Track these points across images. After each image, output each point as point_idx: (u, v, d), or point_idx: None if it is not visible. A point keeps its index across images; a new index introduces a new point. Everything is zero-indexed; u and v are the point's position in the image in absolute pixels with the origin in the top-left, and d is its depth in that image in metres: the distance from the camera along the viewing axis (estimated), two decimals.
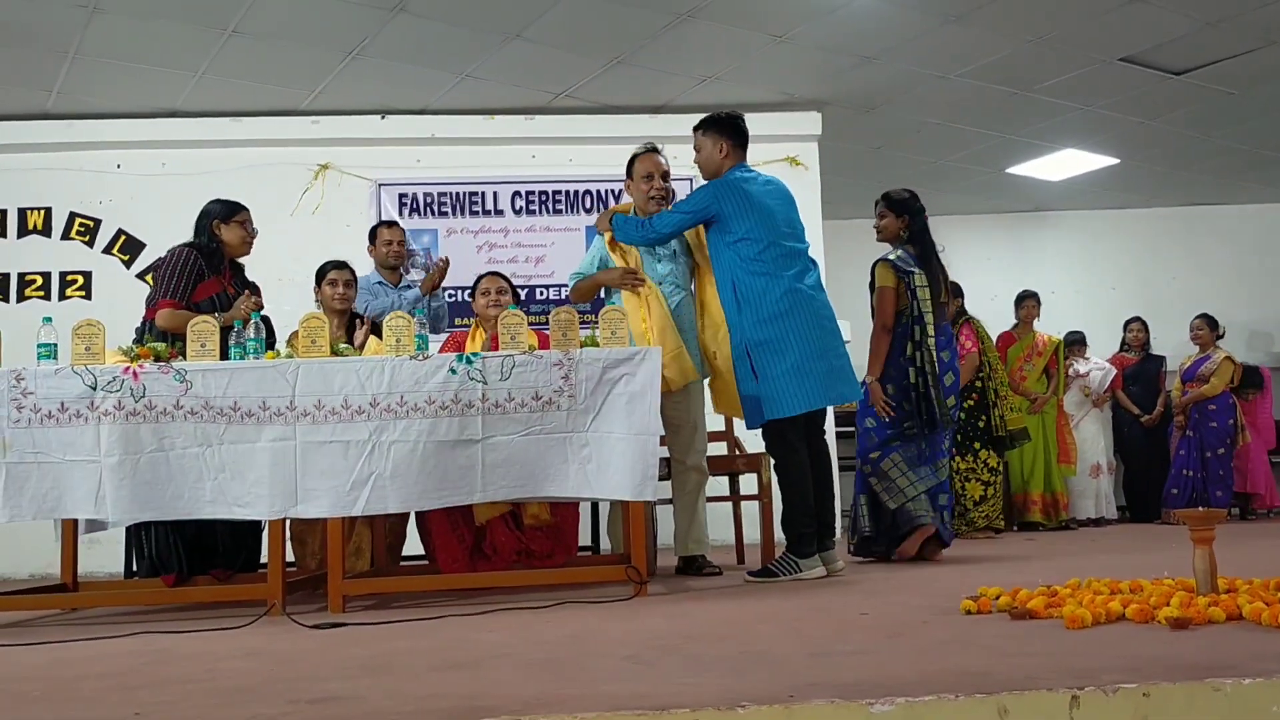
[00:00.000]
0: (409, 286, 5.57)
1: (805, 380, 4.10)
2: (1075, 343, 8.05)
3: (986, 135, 7.77)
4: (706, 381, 4.57)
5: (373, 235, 5.60)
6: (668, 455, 4.64)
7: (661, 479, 4.35)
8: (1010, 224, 9.83)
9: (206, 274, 4.37)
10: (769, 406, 4.12)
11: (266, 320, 4.62)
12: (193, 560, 4.22)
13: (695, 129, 4.46)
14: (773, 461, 4.30)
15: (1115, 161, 8.42)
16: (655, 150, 4.67)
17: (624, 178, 4.73)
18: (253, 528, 4.27)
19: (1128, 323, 8.42)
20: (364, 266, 5.77)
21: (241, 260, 4.58)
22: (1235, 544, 4.92)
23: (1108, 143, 8.02)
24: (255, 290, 4.59)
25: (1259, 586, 2.84)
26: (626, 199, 4.82)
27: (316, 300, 4.83)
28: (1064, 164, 8.47)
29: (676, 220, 4.36)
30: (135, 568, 4.56)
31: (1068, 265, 9.66)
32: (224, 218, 4.45)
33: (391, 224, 5.72)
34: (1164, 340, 8.40)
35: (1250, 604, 2.52)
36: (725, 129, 4.40)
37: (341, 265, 4.84)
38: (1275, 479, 8.06)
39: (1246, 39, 6.21)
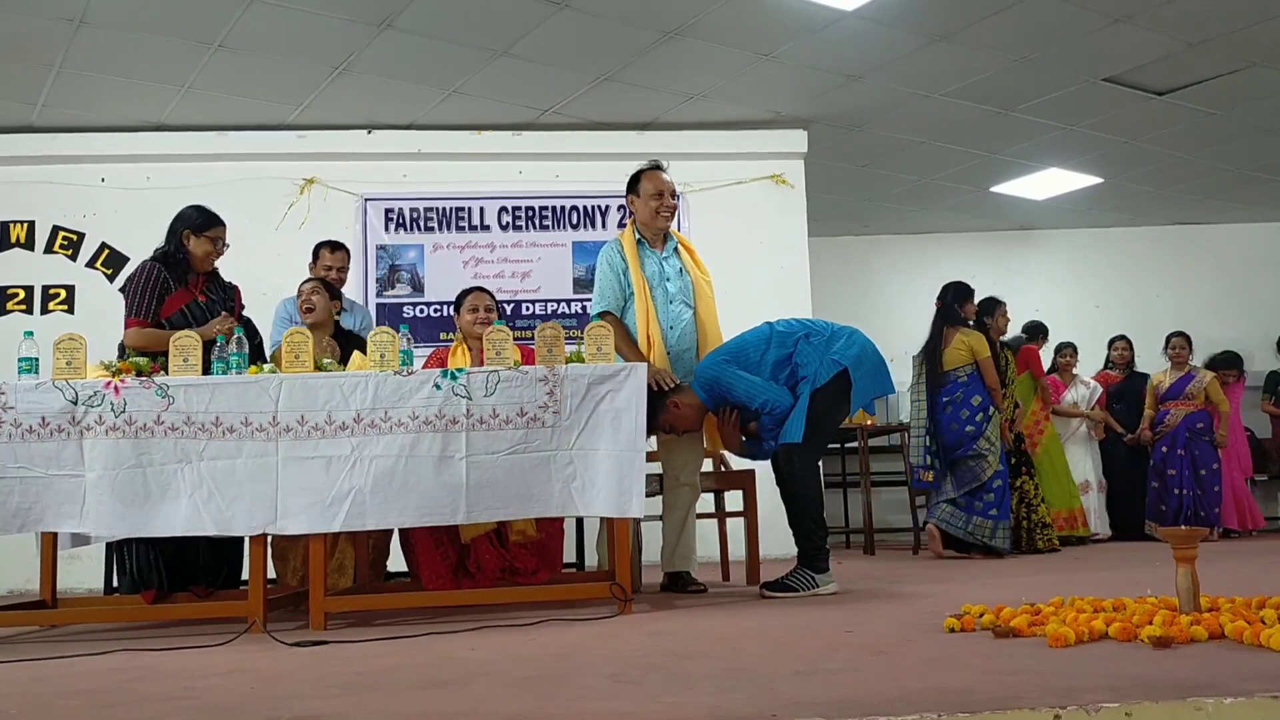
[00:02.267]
0: (347, 310, 5.28)
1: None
2: (1065, 347, 8.10)
3: (971, 154, 7.82)
4: None
5: (315, 254, 5.38)
6: (659, 471, 4.64)
7: (652, 494, 4.34)
8: (995, 242, 9.89)
9: (174, 286, 4.30)
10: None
11: (249, 324, 4.60)
12: (174, 576, 4.19)
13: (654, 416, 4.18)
14: (793, 477, 4.17)
15: (1099, 181, 8.49)
16: (660, 168, 4.62)
17: (625, 193, 4.67)
18: (235, 544, 4.24)
19: (1112, 341, 8.47)
20: (345, 283, 5.73)
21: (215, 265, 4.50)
22: (1218, 563, 4.93)
23: (1091, 162, 8.08)
24: (234, 291, 4.54)
25: (1241, 605, 2.85)
26: (616, 215, 4.79)
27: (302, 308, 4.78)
28: (1048, 183, 8.53)
29: (760, 395, 4.17)
30: (116, 584, 4.52)
31: (1052, 284, 9.71)
32: (197, 229, 4.35)
33: (337, 246, 5.43)
34: (1148, 358, 8.44)
35: (1232, 623, 2.53)
36: (659, 402, 4.19)
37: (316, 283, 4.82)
38: (1253, 498, 8.09)
39: (1228, 60, 6.27)
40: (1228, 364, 8.16)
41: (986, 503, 6.22)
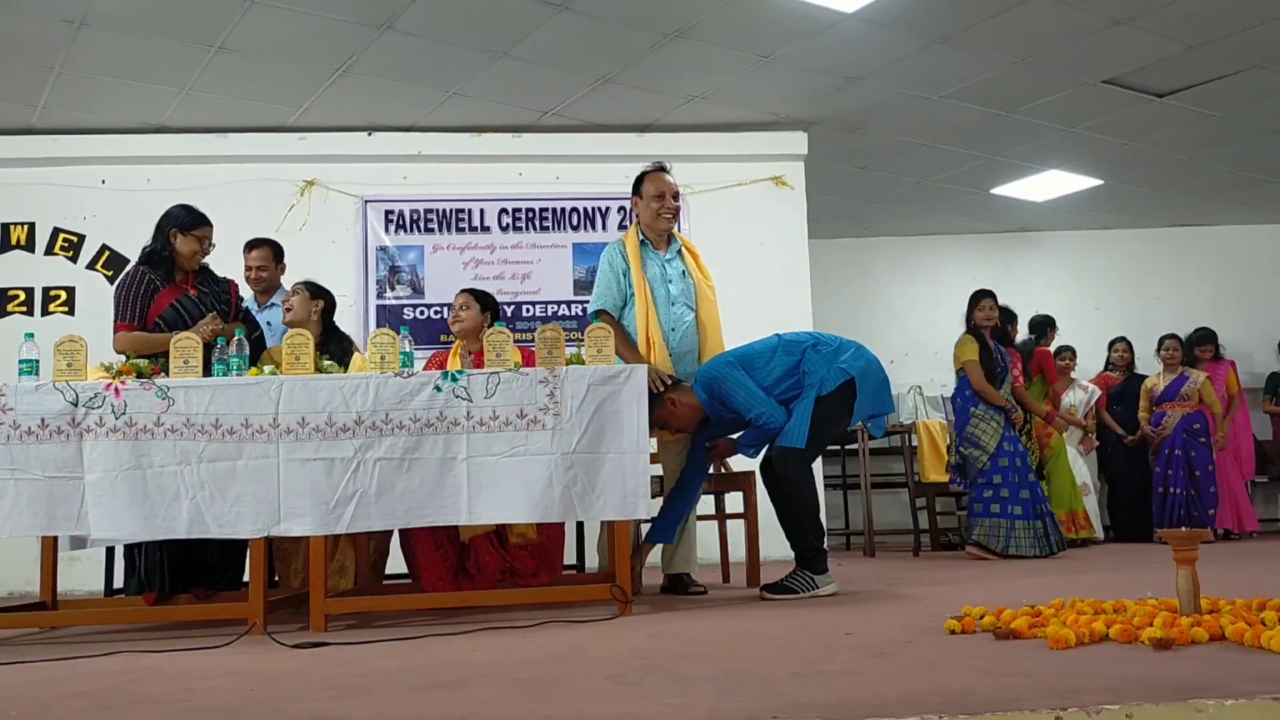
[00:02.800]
0: (274, 305, 5.16)
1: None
2: (1064, 350, 8.11)
3: (971, 156, 7.82)
4: None
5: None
6: (659, 474, 4.63)
7: (653, 497, 4.33)
8: (995, 244, 9.89)
9: (160, 285, 4.30)
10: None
11: (249, 316, 4.60)
12: (179, 578, 4.18)
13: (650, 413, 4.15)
14: (790, 479, 4.18)
15: (1099, 183, 8.48)
16: (664, 169, 4.64)
17: (630, 195, 4.70)
18: (242, 545, 4.22)
19: (1112, 343, 8.48)
20: (344, 284, 5.75)
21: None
22: (1218, 564, 4.93)
23: (1091, 164, 8.08)
24: (229, 285, 4.53)
25: (1241, 607, 2.85)
26: (614, 217, 4.79)
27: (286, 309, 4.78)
28: (1048, 185, 8.53)
29: (757, 406, 4.17)
30: (123, 585, 4.52)
31: (1052, 285, 9.71)
32: (184, 228, 4.34)
33: (257, 245, 5.22)
34: (1148, 360, 8.44)
35: (1233, 624, 2.53)
36: (655, 401, 4.17)
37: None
38: (1249, 500, 8.08)
39: (1228, 62, 6.27)
40: (1203, 340, 8.19)
41: (970, 499, 6.47)
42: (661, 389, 4.20)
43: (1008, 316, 7.02)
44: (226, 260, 4.65)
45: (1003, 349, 6.64)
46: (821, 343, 4.30)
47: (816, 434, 4.15)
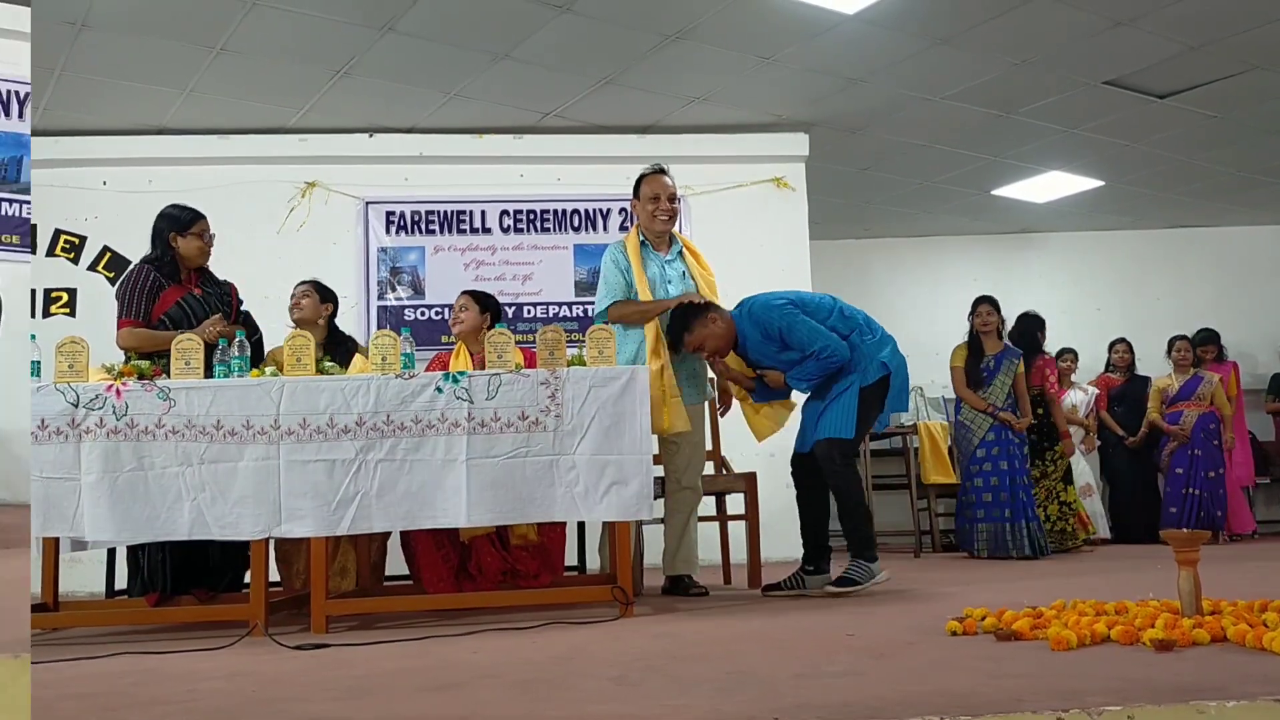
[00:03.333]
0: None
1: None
2: (1065, 352, 8.09)
3: (972, 157, 7.82)
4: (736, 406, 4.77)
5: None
6: (661, 475, 4.63)
7: (655, 497, 4.34)
8: (996, 245, 9.89)
9: (165, 284, 4.30)
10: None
11: (249, 318, 4.60)
12: (180, 579, 4.18)
13: (690, 330, 4.28)
14: (836, 473, 4.24)
15: (1100, 184, 8.48)
16: (663, 171, 4.66)
17: (630, 197, 4.73)
18: (243, 546, 4.23)
19: (1113, 344, 8.47)
20: (345, 285, 5.74)
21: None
22: (1220, 566, 4.93)
23: (1092, 165, 8.07)
24: (230, 287, 4.53)
25: (1243, 608, 2.85)
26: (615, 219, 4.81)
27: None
28: (1049, 186, 8.52)
29: (821, 339, 4.21)
30: (126, 587, 4.53)
31: (1053, 286, 9.70)
32: (180, 229, 4.34)
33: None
34: (1149, 361, 8.44)
35: (1234, 626, 2.53)
36: (697, 314, 4.30)
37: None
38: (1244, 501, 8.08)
39: (1229, 63, 6.27)
40: (1205, 340, 8.19)
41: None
42: (700, 303, 4.29)
43: (1037, 324, 7.09)
44: (221, 261, 4.63)
45: (1018, 349, 6.66)
46: (868, 329, 4.37)
47: (863, 420, 4.23)
